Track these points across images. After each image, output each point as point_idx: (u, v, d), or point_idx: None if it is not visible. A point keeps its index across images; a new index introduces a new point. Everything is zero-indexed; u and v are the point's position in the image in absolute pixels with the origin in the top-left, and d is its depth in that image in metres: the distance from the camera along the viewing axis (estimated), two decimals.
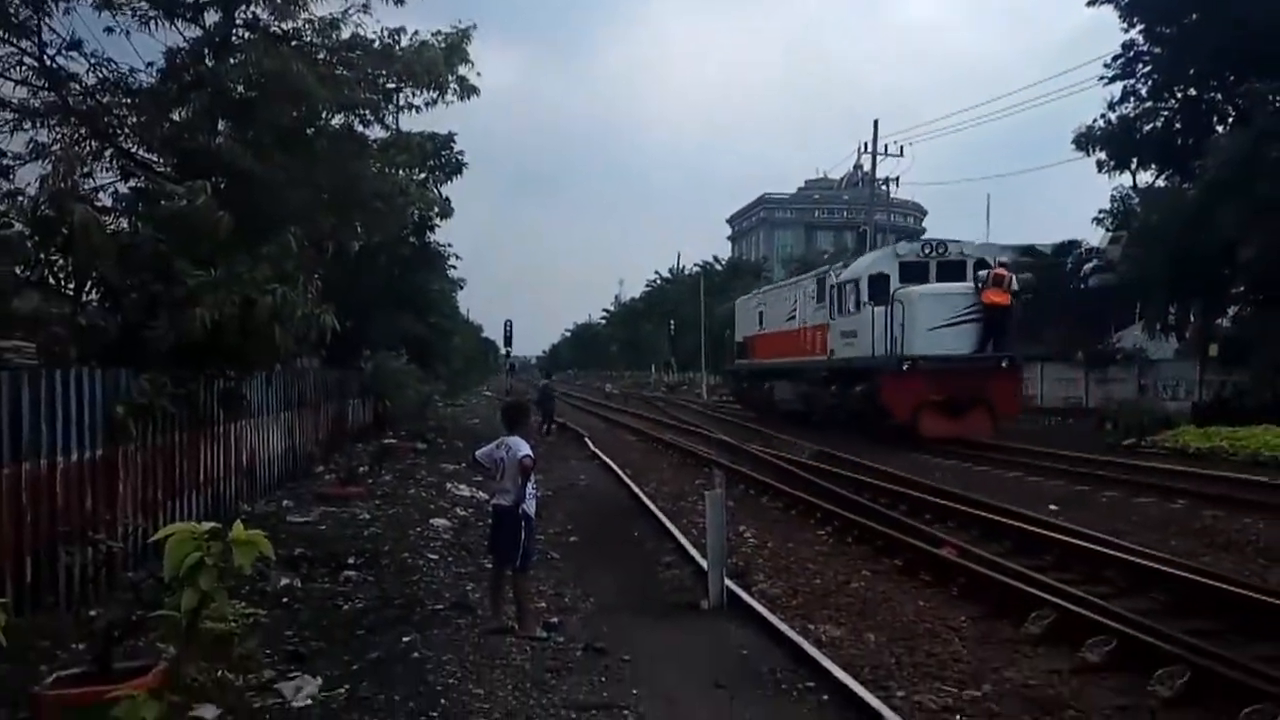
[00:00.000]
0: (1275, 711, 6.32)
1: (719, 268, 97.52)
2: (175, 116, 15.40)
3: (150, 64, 15.58)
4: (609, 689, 7.24)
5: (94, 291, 11.62)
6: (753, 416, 37.81)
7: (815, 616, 9.65)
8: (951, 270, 28.19)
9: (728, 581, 9.94)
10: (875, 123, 56.44)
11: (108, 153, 15.35)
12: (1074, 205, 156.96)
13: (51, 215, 10.81)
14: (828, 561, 12.23)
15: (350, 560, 11.34)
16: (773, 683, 7.42)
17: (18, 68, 14.56)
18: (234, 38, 15.62)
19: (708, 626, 9.19)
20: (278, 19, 15.88)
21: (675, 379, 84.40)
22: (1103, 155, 36.25)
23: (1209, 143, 30.39)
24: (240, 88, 15.16)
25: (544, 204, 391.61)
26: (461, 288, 39.90)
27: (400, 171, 18.54)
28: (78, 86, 14.95)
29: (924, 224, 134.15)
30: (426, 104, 17.49)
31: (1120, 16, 34.96)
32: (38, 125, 14.90)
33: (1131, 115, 35.88)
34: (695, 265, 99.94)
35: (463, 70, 17.30)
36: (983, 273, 26.90)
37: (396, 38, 16.72)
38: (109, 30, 14.96)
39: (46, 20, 14.31)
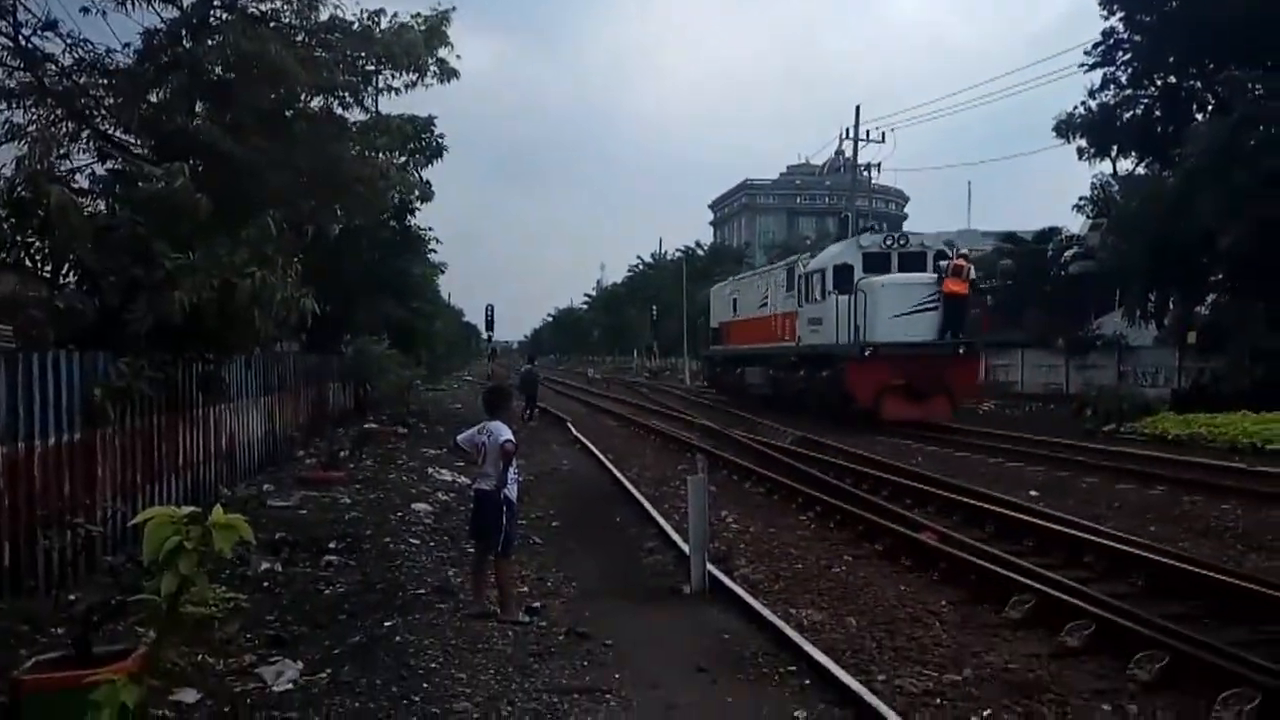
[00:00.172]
0: (1252, 695, 6.35)
1: (701, 253, 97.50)
2: (153, 98, 15.24)
3: (127, 45, 15.41)
4: (591, 673, 7.24)
5: (71, 274, 11.54)
6: (733, 402, 37.96)
7: (797, 601, 9.66)
8: (912, 261, 29.28)
9: (710, 566, 9.95)
10: (857, 108, 56.65)
11: (84, 134, 15.17)
12: (1055, 192, 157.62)
13: (28, 197, 10.69)
14: (809, 546, 12.25)
15: (331, 545, 11.32)
16: (754, 667, 7.43)
17: None
18: (211, 19, 15.44)
19: (690, 611, 9.19)
20: (256, 0, 15.74)
21: (658, 364, 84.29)
22: (1083, 142, 36.43)
23: (1188, 130, 30.56)
24: (218, 69, 15.01)
25: (526, 189, 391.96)
26: (443, 272, 39.66)
27: (380, 154, 18.42)
28: (54, 67, 14.77)
29: (906, 210, 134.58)
30: (406, 86, 17.41)
31: (1100, 4, 35.09)
32: (13, 106, 14.71)
33: (1111, 103, 36.02)
34: (677, 250, 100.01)
35: (442, 53, 17.23)
36: (943, 263, 28.05)
37: (376, 20, 16.63)
38: (85, 10, 14.79)
39: (22, 0, 14.15)
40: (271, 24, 15.56)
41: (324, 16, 16.17)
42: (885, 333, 26.85)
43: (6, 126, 14.69)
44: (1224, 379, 28.84)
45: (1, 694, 5.62)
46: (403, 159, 20.57)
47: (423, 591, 9.56)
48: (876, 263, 28.98)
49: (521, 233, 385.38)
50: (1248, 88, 28.07)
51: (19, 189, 10.95)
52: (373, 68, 17.04)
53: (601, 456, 20.95)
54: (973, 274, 28.48)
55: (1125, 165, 37.72)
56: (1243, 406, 23.90)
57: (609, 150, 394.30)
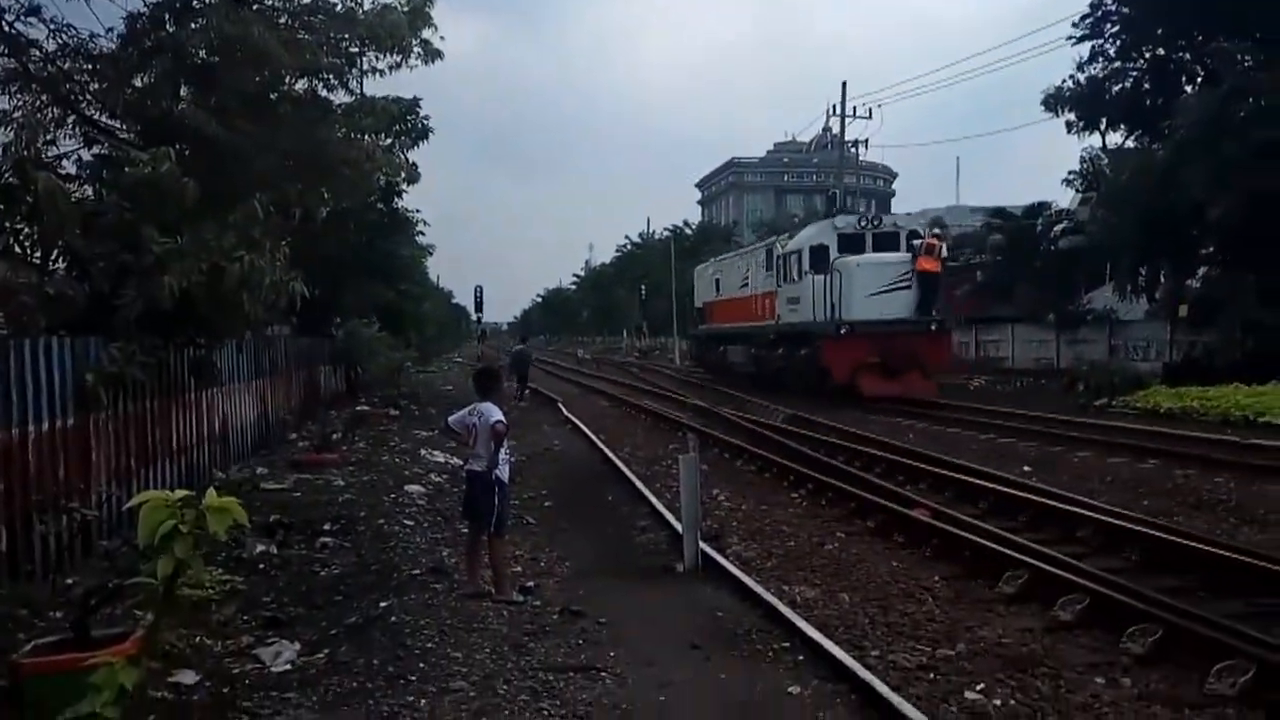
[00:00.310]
0: (1246, 667, 6.39)
1: (689, 232, 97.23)
2: (137, 82, 15.14)
3: (110, 29, 15.31)
4: (586, 651, 7.28)
5: (61, 260, 11.50)
6: (720, 380, 38.13)
7: (790, 578, 9.70)
8: (886, 241, 30.31)
9: (702, 544, 9.99)
10: (844, 84, 56.31)
11: (70, 119, 15.08)
12: (1043, 167, 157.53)
13: (15, 183, 10.65)
14: (802, 524, 12.28)
15: (326, 527, 11.35)
16: (748, 643, 7.47)
17: None
18: (194, 2, 15.36)
19: (683, 589, 9.23)
20: None
21: (647, 344, 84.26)
22: (1072, 116, 36.26)
23: (1178, 103, 30.45)
24: (202, 53, 14.92)
25: (513, 170, 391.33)
26: (431, 254, 39.70)
27: (366, 137, 18.33)
28: (38, 53, 14.67)
29: (894, 187, 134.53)
30: (390, 68, 17.28)
31: None
32: None
33: (1100, 76, 35.87)
34: (665, 230, 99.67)
35: (426, 34, 17.10)
36: (916, 242, 29.05)
37: (359, 1, 16.54)
38: None
39: None
40: (254, 6, 15.45)
41: None
42: (860, 311, 27.66)
43: None
44: (1216, 352, 28.89)
45: (2, 677, 5.63)
46: (388, 141, 20.46)
47: (417, 572, 9.59)
48: (851, 243, 29.98)
49: (509, 214, 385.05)
50: (1237, 59, 28.03)
51: (6, 175, 10.91)
52: (356, 49, 16.91)
53: (593, 436, 20.97)
54: (944, 252, 29.73)
55: (1114, 139, 37.61)
56: (1235, 379, 23.97)
57: (594, 131, 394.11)
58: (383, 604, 8.32)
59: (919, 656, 7.25)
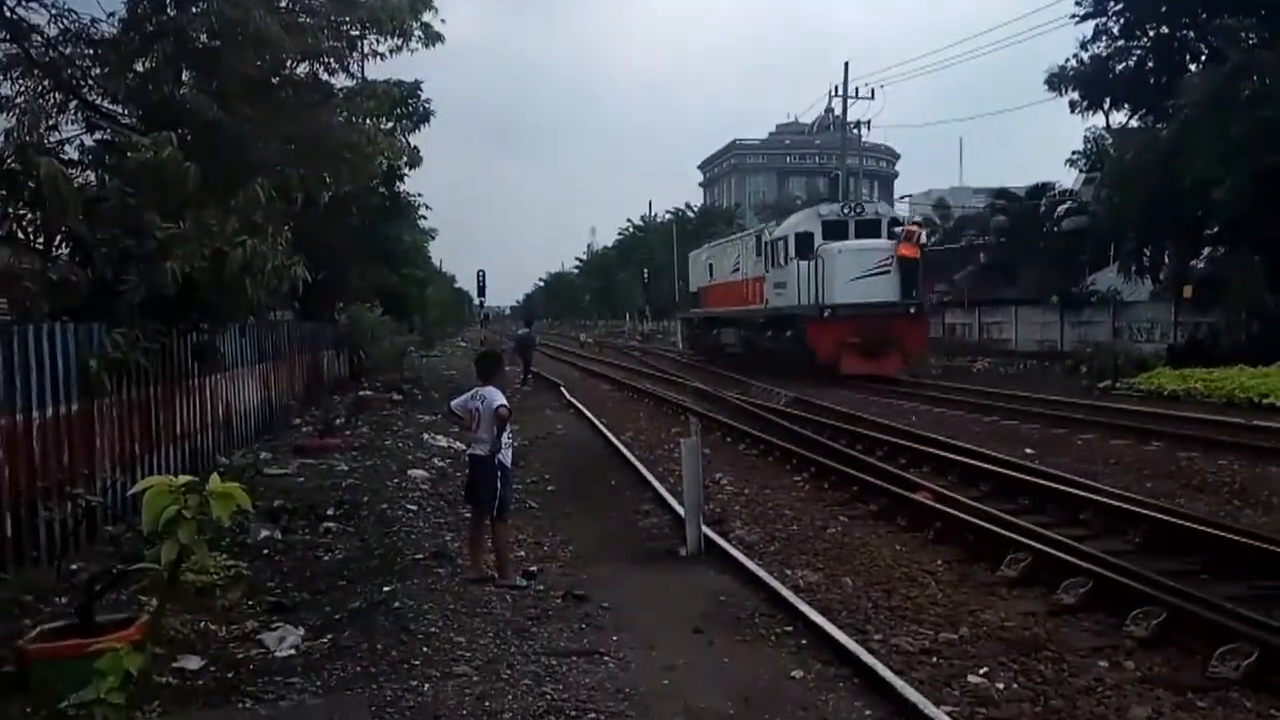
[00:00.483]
0: (1250, 650, 6.40)
1: (691, 215, 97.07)
2: (139, 67, 15.13)
3: (112, 14, 15.27)
4: (589, 635, 7.29)
5: (63, 246, 11.50)
6: (721, 363, 38.25)
7: (792, 562, 9.70)
8: (868, 228, 32.03)
9: (705, 528, 10.00)
10: (846, 65, 56.73)
11: (72, 105, 15.07)
12: (1046, 148, 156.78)
13: (17, 169, 10.66)
14: (804, 507, 12.28)
15: (329, 512, 11.35)
16: (751, 627, 7.47)
17: None
18: None
19: (686, 573, 9.23)
20: None
21: (650, 327, 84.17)
22: (1075, 95, 36.26)
23: (1181, 81, 30.35)
24: (203, 37, 14.89)
25: (515, 154, 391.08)
26: (433, 238, 39.66)
27: (367, 120, 18.29)
28: (39, 38, 14.65)
29: (896, 168, 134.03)
30: (391, 51, 17.24)
31: None
32: (0, 78, 14.63)
33: (1104, 54, 35.79)
34: (668, 213, 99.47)
35: (427, 17, 17.08)
36: (898, 229, 31.16)
37: None
38: None
39: None
40: None
41: None
42: (843, 295, 29.26)
43: None
44: (1220, 333, 28.90)
45: (8, 663, 5.66)
46: (390, 124, 20.43)
47: (421, 557, 9.60)
48: (835, 230, 31.65)
49: (511, 198, 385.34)
50: (1241, 37, 27.88)
51: (9, 161, 10.91)
52: (357, 33, 16.88)
53: (595, 420, 20.96)
54: (924, 239, 32.44)
55: (1118, 118, 37.56)
56: (1239, 361, 23.97)
57: (596, 113, 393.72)
58: (386, 589, 8.32)
59: (922, 640, 7.25)
